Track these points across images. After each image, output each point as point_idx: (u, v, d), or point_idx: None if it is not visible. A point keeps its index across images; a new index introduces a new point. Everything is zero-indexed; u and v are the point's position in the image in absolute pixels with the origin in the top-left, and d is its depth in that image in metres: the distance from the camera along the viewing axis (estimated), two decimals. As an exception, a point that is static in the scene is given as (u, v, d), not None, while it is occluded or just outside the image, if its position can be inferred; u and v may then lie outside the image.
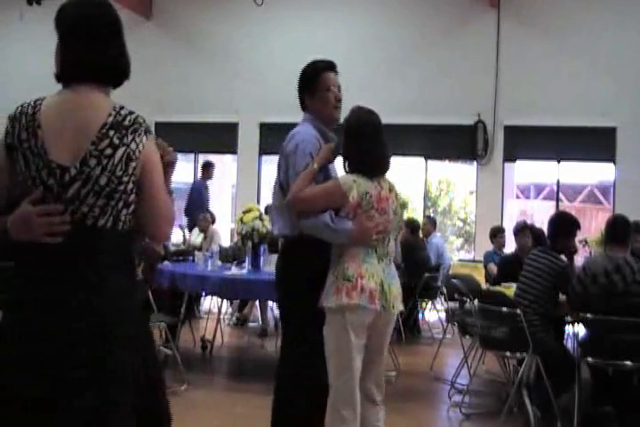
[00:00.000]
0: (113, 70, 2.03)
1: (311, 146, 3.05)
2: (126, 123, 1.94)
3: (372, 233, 2.89)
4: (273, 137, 11.01)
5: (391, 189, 3.02)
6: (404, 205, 3.08)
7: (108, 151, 1.90)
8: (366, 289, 2.85)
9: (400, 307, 2.98)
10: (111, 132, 1.91)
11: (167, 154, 2.16)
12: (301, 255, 3.06)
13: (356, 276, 2.87)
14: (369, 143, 3.01)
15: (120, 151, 1.91)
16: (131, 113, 1.98)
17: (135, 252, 2.25)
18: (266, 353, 6.87)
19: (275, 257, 6.18)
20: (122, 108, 1.98)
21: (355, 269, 2.88)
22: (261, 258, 6.03)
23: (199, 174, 10.71)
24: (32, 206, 1.88)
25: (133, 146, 1.93)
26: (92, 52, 1.99)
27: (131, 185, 1.93)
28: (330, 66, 3.24)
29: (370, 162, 3.00)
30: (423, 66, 10.25)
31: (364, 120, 3.06)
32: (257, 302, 7.92)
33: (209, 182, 10.41)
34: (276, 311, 8.04)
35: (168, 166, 2.16)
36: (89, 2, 2.07)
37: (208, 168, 10.33)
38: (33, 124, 1.92)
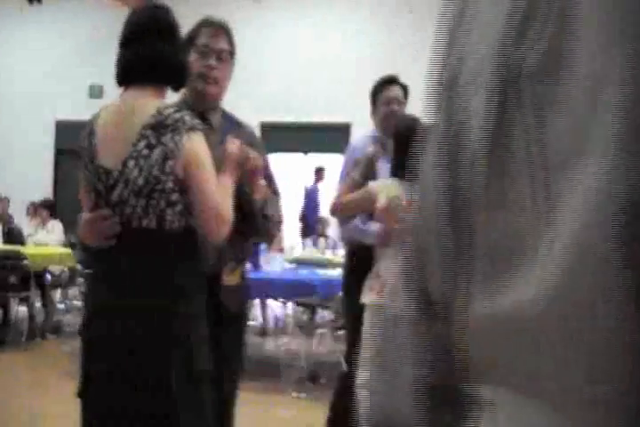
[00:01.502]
0: (165, 70, 2.06)
1: (359, 153, 3.25)
2: (168, 122, 1.94)
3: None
4: (273, 137, 11.04)
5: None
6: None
7: (145, 152, 1.93)
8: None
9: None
10: (149, 133, 1.94)
11: (249, 159, 2.14)
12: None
13: (375, 275, 2.97)
14: (401, 150, 3.02)
15: (157, 151, 1.92)
16: (175, 112, 1.97)
17: (228, 257, 2.26)
18: (266, 353, 6.88)
19: (274, 256, 6.23)
20: (167, 108, 1.98)
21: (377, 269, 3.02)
22: (261, 257, 6.04)
23: (312, 179, 10.54)
24: (88, 212, 2.00)
25: (171, 145, 1.93)
26: (141, 54, 2.05)
27: (170, 184, 1.93)
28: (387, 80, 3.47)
29: (399, 168, 3.01)
30: (423, 66, 10.21)
31: (406, 127, 3.09)
32: (257, 302, 7.93)
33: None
34: (276, 311, 8.07)
35: (253, 172, 2.17)
36: (147, 8, 2.19)
37: (320, 172, 10.14)
38: (89, 132, 2.02)
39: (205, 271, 2.14)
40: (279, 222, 2.43)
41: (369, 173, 3.10)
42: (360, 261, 3.14)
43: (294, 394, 5.10)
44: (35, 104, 11.55)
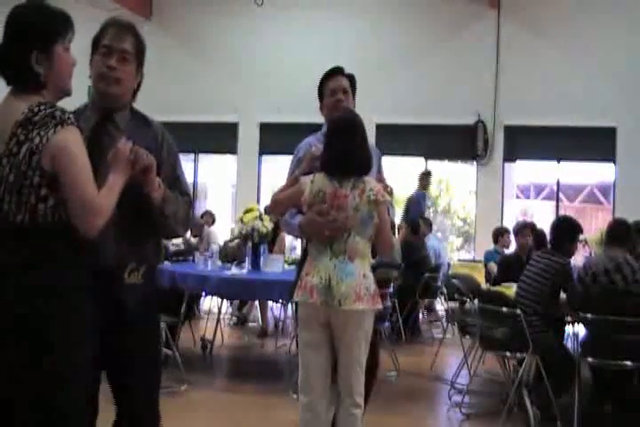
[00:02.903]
0: (14, 72, 2.07)
1: (302, 152, 3.31)
2: (36, 118, 1.98)
3: (320, 227, 2.96)
4: (273, 137, 11.02)
5: (355, 187, 2.97)
6: (375, 203, 3.00)
7: (15, 149, 1.98)
8: (307, 285, 2.96)
9: (352, 306, 2.89)
10: (19, 131, 1.99)
11: (140, 159, 2.16)
12: None
13: (304, 273, 3.02)
14: (335, 144, 3.07)
15: (24, 147, 1.97)
16: (47, 109, 1.99)
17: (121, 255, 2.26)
18: (266, 353, 6.88)
19: (274, 257, 6.22)
20: (40, 105, 2.00)
21: (306, 266, 3.04)
22: (261, 258, 6.03)
23: (417, 184, 9.54)
24: None
25: (37, 140, 1.97)
26: (7, 55, 2.07)
27: (37, 179, 1.97)
28: (330, 71, 3.47)
29: (328, 163, 3.06)
30: (423, 66, 10.24)
31: (336, 120, 3.17)
32: (257, 302, 7.92)
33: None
34: (276, 311, 8.08)
35: (145, 172, 2.18)
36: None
37: (426, 177, 9.38)
38: None
39: (102, 268, 2.18)
40: (183, 221, 2.44)
41: (311, 171, 3.11)
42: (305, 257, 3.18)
43: (294, 395, 5.09)
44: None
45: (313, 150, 3.21)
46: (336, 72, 3.47)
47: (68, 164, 1.96)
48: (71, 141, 1.98)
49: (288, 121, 10.65)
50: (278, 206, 3.20)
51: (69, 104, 2.20)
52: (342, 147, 3.04)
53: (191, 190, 2.58)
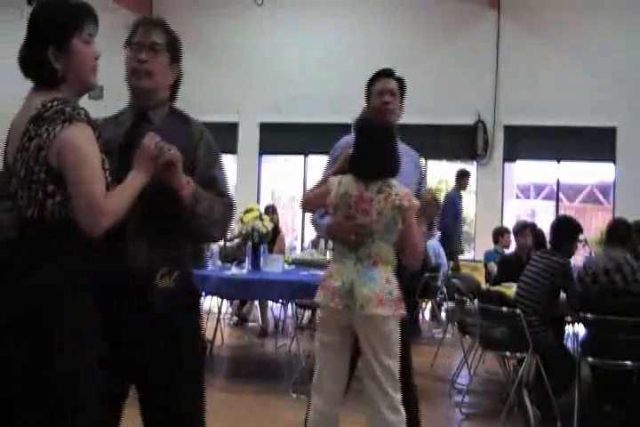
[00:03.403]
0: (33, 69, 2.09)
1: (338, 150, 3.25)
2: (46, 114, 1.97)
3: (347, 231, 2.94)
4: (273, 137, 11.03)
5: (381, 191, 2.94)
6: (400, 208, 2.96)
7: (26, 144, 1.97)
8: (329, 288, 2.95)
9: (374, 310, 2.87)
10: (30, 126, 1.98)
11: (163, 154, 2.08)
12: None
13: (327, 275, 3.01)
14: (362, 146, 3.05)
15: (34, 142, 1.96)
16: (59, 105, 1.97)
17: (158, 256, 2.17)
18: (266, 353, 6.88)
19: (274, 257, 6.22)
20: (53, 100, 1.98)
21: (330, 268, 3.03)
22: (261, 258, 6.03)
23: (454, 184, 9.66)
24: None
25: (45, 135, 1.95)
26: (27, 53, 2.10)
27: (43, 175, 1.95)
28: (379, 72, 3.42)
29: (355, 164, 3.04)
30: (423, 66, 10.24)
31: (365, 121, 3.14)
32: (257, 302, 7.92)
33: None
34: (276, 311, 8.08)
35: (168, 166, 2.10)
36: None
37: (464, 178, 9.39)
38: (7, 132, 2.10)
39: (132, 271, 2.14)
40: (219, 223, 2.29)
41: (344, 171, 3.08)
42: None
43: (294, 395, 5.09)
44: (34, 105, 11.55)
45: (349, 150, 3.13)
46: (385, 74, 3.42)
47: (73, 160, 1.92)
48: (78, 138, 1.94)
49: (288, 121, 10.66)
50: (308, 204, 3.22)
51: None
52: (370, 148, 3.02)
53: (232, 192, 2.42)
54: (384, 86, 3.35)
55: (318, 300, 3.00)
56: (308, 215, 3.35)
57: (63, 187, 1.94)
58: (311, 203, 3.17)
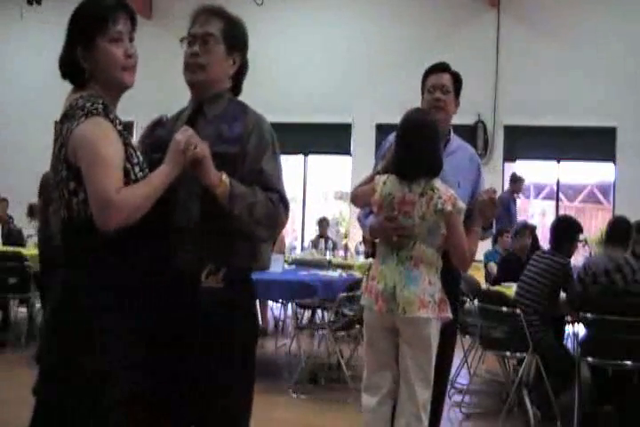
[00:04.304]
0: (65, 70, 2.05)
1: (387, 145, 3.19)
2: (70, 112, 1.94)
3: (390, 233, 2.91)
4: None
5: (424, 193, 2.89)
6: (442, 213, 2.88)
7: (54, 144, 1.97)
8: (373, 290, 2.93)
9: (417, 313, 2.85)
10: (58, 126, 1.97)
11: (189, 150, 2.00)
12: None
13: (371, 277, 2.99)
14: (402, 144, 3.00)
15: (58, 142, 1.95)
16: (81, 101, 1.94)
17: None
18: (266, 353, 6.87)
19: (274, 257, 6.21)
20: (79, 99, 1.95)
21: (373, 270, 3.00)
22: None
23: (507, 187, 9.55)
24: None
25: (64, 132, 1.93)
26: (62, 54, 2.05)
27: (65, 172, 1.93)
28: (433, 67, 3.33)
29: (397, 164, 2.99)
30: (423, 66, 10.22)
31: (406, 119, 3.06)
32: (257, 303, 7.92)
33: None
34: (276, 311, 8.07)
35: (194, 163, 2.02)
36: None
37: (518, 181, 9.21)
38: None
39: (177, 269, 2.10)
40: (263, 221, 2.14)
41: (391, 167, 3.05)
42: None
43: (294, 395, 5.09)
44: (35, 105, 11.53)
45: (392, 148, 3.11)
46: (439, 68, 3.31)
47: (87, 155, 1.88)
48: (92, 132, 1.89)
49: (288, 121, 10.65)
50: (356, 200, 3.21)
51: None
52: (410, 148, 2.96)
53: (284, 188, 2.24)
54: (436, 82, 3.25)
55: (363, 302, 3.01)
56: (356, 211, 3.35)
57: (83, 184, 1.89)
58: (359, 200, 3.16)
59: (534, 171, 11.57)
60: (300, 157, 11.21)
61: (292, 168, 11.82)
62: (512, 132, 10.25)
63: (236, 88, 2.35)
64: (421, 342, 2.90)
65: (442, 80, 3.25)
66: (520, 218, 10.84)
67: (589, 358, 4.29)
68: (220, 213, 2.08)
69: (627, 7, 9.81)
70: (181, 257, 2.12)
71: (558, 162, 10.36)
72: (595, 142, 9.95)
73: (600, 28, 9.87)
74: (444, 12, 10.44)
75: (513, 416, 4.54)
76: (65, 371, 1.90)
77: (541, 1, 10.15)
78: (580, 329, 4.99)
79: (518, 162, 10.62)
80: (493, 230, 3.26)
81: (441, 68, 3.31)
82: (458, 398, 5.11)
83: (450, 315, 2.93)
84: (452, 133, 3.28)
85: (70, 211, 1.93)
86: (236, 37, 2.28)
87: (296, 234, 11.67)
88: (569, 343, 5.52)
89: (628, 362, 4.15)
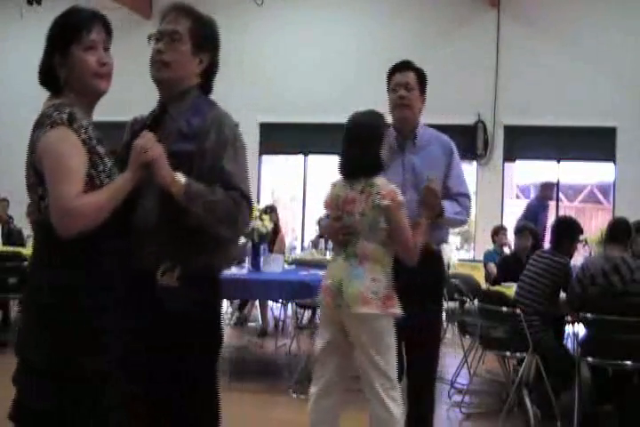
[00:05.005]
0: (42, 77, 2.12)
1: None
2: (40, 120, 2.02)
3: (336, 232, 3.04)
4: (273, 137, 11.02)
5: (364, 191, 2.97)
6: (380, 208, 2.93)
7: (28, 149, 2.05)
8: (323, 286, 3.06)
9: (360, 309, 2.90)
10: (32, 133, 2.05)
11: (140, 155, 2.05)
12: None
13: (324, 274, 3.15)
14: (344, 146, 3.10)
15: (30, 148, 2.04)
16: (50, 109, 2.01)
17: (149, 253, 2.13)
18: (266, 353, 6.88)
19: (274, 257, 6.21)
20: (50, 107, 2.03)
21: (327, 267, 3.17)
22: (261, 258, 6.03)
23: (537, 194, 9.34)
24: None
25: (34, 139, 2.02)
26: (41, 62, 2.12)
27: (33, 178, 2.02)
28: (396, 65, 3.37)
29: (340, 165, 3.11)
30: (423, 66, 10.21)
31: (347, 122, 3.16)
32: (257, 302, 7.92)
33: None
34: (276, 311, 8.07)
35: (148, 166, 2.06)
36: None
37: (547, 189, 8.89)
38: None
39: (139, 268, 2.11)
40: (225, 220, 2.13)
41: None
42: None
43: (294, 395, 5.09)
44: (34, 105, 11.52)
45: None
46: (402, 66, 3.35)
47: (49, 163, 1.95)
48: (56, 141, 1.96)
49: (288, 121, 10.65)
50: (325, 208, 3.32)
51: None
52: (349, 148, 3.06)
53: (247, 186, 2.20)
54: (399, 80, 3.31)
55: (317, 298, 3.13)
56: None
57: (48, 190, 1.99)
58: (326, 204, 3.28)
59: (534, 171, 11.58)
60: (300, 157, 11.22)
61: (292, 168, 11.83)
62: (512, 132, 10.25)
63: (207, 86, 2.36)
64: (370, 338, 2.95)
65: (405, 78, 3.31)
66: (520, 218, 10.85)
67: (589, 358, 4.29)
68: (177, 212, 2.09)
69: (627, 7, 9.81)
70: (141, 256, 2.14)
71: (558, 162, 10.36)
72: (595, 142, 9.95)
73: (600, 28, 9.86)
74: (444, 12, 10.44)
75: (513, 416, 4.54)
76: (64, 371, 1.91)
77: (541, 1, 10.14)
78: (580, 329, 4.99)
79: (518, 162, 10.63)
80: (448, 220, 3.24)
81: (405, 66, 3.36)
82: (458, 398, 5.12)
83: (397, 311, 2.94)
84: (420, 129, 3.34)
85: (40, 215, 2.01)
86: (203, 37, 2.28)
87: (296, 234, 11.67)
88: (569, 343, 5.52)
89: (628, 362, 4.14)
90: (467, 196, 3.35)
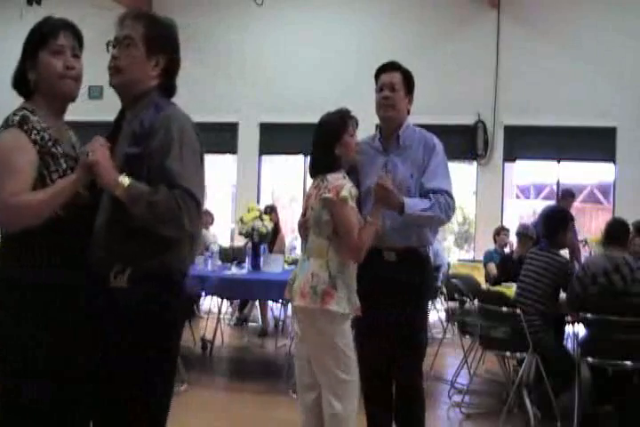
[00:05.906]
0: (14, 81, 2.26)
1: None
2: (2, 123, 2.16)
3: (299, 228, 3.21)
4: (273, 137, 11.02)
5: (318, 186, 3.04)
6: (324, 201, 2.98)
7: None
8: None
9: (296, 302, 2.99)
10: None
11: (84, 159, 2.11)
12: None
13: None
14: (313, 144, 3.18)
15: None
16: (12, 112, 2.16)
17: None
18: (266, 353, 6.88)
19: (274, 257, 6.21)
20: (16, 109, 2.17)
21: None
22: (261, 258, 6.03)
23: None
24: None
25: None
26: (16, 67, 2.28)
27: None
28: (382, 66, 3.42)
29: (309, 164, 3.20)
30: (423, 66, 10.22)
31: (319, 121, 3.25)
32: (257, 302, 7.92)
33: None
34: (276, 311, 8.07)
35: (90, 170, 2.10)
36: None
37: (568, 199, 8.16)
38: None
39: (92, 269, 2.17)
40: (166, 219, 2.08)
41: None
42: None
43: (294, 395, 5.09)
44: (34, 105, 11.54)
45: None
46: (388, 67, 3.36)
47: None
48: (4, 142, 2.10)
49: (288, 121, 10.65)
50: None
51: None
52: (312, 149, 3.18)
53: (194, 185, 2.15)
54: (385, 81, 3.34)
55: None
56: None
57: None
58: None
59: (534, 171, 11.58)
60: (300, 157, 11.22)
61: (292, 168, 11.84)
62: (512, 132, 10.24)
63: (169, 86, 2.34)
64: (310, 333, 3.01)
65: (390, 78, 3.33)
66: (520, 218, 10.86)
67: (589, 358, 4.28)
68: (124, 215, 2.10)
69: (626, 8, 9.80)
70: (93, 258, 2.18)
71: (558, 162, 10.35)
72: (595, 142, 9.94)
73: (600, 28, 9.86)
74: (444, 13, 10.43)
75: (513, 416, 4.54)
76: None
77: (541, 1, 10.14)
78: (580, 329, 4.99)
79: (518, 162, 10.62)
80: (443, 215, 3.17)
81: (390, 67, 3.37)
82: (458, 398, 5.12)
83: (333, 308, 2.91)
84: (405, 130, 3.36)
85: None
86: (157, 39, 2.30)
87: (296, 234, 11.65)
88: (569, 343, 5.52)
89: (628, 362, 4.14)
90: (444, 192, 3.21)
